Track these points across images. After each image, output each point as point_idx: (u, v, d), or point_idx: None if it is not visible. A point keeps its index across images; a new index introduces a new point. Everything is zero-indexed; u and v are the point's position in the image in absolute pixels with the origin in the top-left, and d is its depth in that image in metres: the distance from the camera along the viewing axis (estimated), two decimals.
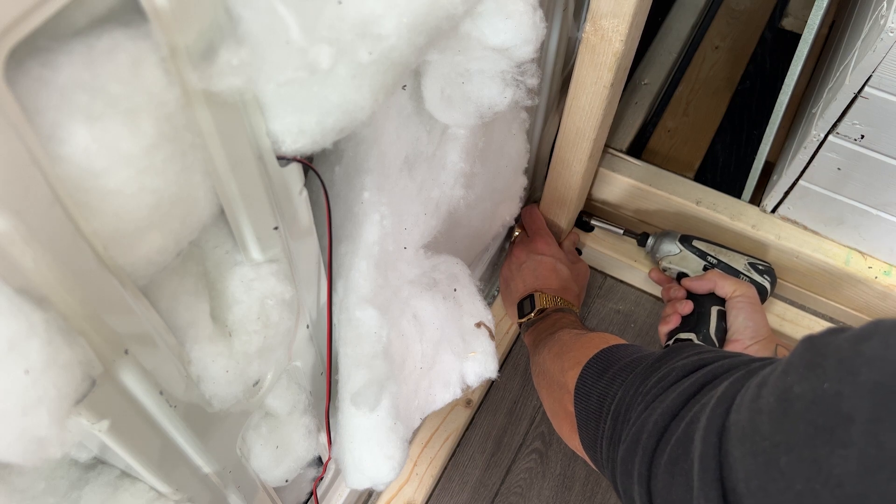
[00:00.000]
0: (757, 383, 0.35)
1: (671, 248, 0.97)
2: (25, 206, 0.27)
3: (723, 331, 0.87)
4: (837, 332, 0.32)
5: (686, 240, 0.96)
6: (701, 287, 0.91)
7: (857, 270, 1.03)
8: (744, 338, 0.84)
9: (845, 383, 0.29)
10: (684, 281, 0.94)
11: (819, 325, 1.05)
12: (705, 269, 0.94)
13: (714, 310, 0.89)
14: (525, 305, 0.89)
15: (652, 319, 1.12)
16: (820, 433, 0.29)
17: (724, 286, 0.89)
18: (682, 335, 0.88)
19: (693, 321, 0.89)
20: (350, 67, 0.36)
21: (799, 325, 1.05)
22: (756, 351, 0.83)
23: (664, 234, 0.99)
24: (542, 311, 0.86)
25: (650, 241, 1.01)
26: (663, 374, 0.48)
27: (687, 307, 0.91)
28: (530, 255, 0.94)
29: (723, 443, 0.35)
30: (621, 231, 1.04)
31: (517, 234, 1.02)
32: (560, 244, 1.01)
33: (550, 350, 0.71)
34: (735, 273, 0.94)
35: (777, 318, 1.06)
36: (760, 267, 0.94)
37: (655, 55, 1.30)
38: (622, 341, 0.67)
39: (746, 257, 0.95)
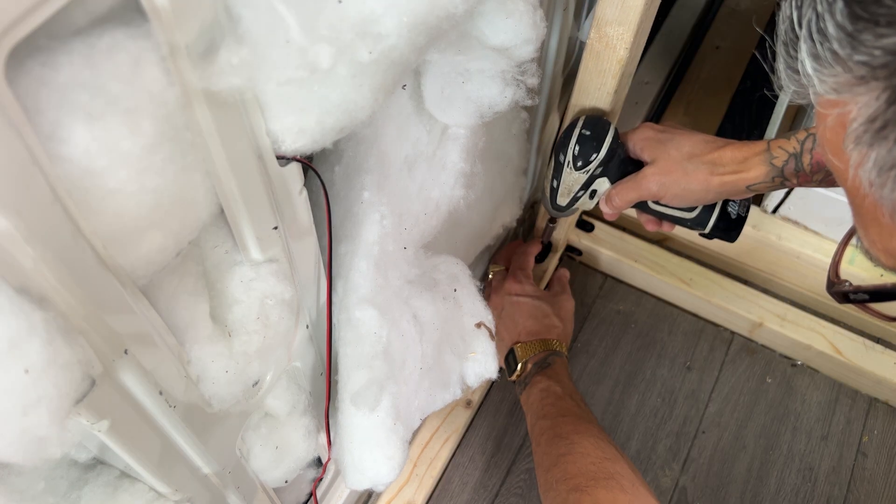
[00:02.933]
0: None
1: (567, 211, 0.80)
2: (25, 205, 0.27)
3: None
4: None
5: (557, 209, 0.80)
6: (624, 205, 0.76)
7: (859, 271, 1.03)
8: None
9: None
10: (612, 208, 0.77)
11: (822, 327, 1.05)
12: (591, 195, 0.77)
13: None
14: (510, 362, 0.85)
15: (652, 320, 1.12)
16: None
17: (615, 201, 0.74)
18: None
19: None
20: (350, 67, 0.36)
21: (800, 325, 1.05)
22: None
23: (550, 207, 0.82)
24: (524, 364, 0.83)
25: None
26: None
27: (664, 226, 0.77)
28: (505, 299, 0.89)
29: None
30: (553, 224, 0.93)
31: (495, 272, 0.95)
32: (549, 284, 0.98)
33: (555, 486, 0.68)
34: (584, 188, 0.76)
35: (778, 319, 1.06)
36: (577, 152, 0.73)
37: (656, 55, 1.30)
38: (626, 494, 0.64)
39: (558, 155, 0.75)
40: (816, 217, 1.05)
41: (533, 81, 0.60)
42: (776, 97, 0.97)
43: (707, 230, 0.75)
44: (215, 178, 0.38)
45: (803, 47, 0.29)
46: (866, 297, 0.35)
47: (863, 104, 0.27)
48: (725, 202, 0.74)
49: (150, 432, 0.42)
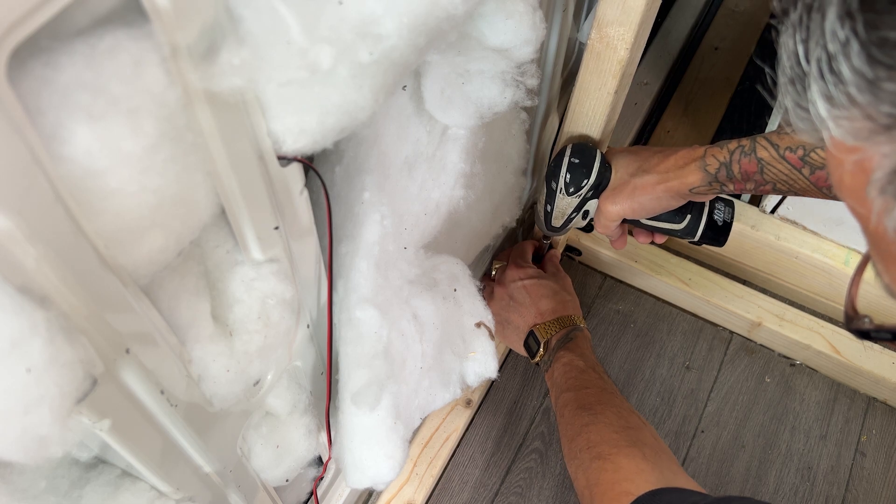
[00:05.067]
0: None
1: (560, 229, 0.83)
2: (27, 205, 0.27)
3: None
4: None
5: (552, 230, 0.84)
6: (614, 234, 0.81)
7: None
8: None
9: None
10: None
11: (820, 327, 1.05)
12: (584, 215, 0.80)
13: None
14: (531, 345, 0.85)
15: (651, 320, 1.12)
16: None
17: (604, 219, 0.78)
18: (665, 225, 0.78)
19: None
20: (351, 67, 0.37)
21: (798, 325, 1.05)
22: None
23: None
24: (546, 343, 0.83)
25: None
26: None
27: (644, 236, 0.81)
28: (510, 287, 0.89)
29: None
30: (546, 241, 0.97)
31: (497, 267, 0.96)
32: (542, 266, 0.97)
33: (579, 455, 0.69)
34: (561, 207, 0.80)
35: (777, 319, 1.06)
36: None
37: (655, 56, 1.30)
38: (648, 462, 0.64)
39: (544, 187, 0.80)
40: (815, 217, 1.05)
41: (532, 82, 0.60)
42: (774, 98, 0.97)
43: (696, 238, 0.78)
44: (216, 178, 0.38)
45: (814, 87, 0.26)
46: (889, 336, 0.33)
47: (888, 153, 0.24)
48: (712, 210, 0.77)
49: (151, 431, 0.42)
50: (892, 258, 0.28)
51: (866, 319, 0.34)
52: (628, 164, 0.75)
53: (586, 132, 0.81)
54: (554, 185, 0.78)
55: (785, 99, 0.28)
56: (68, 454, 0.42)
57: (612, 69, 0.72)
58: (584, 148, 0.77)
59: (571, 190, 0.77)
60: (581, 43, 0.95)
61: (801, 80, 0.27)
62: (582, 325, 0.85)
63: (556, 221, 0.82)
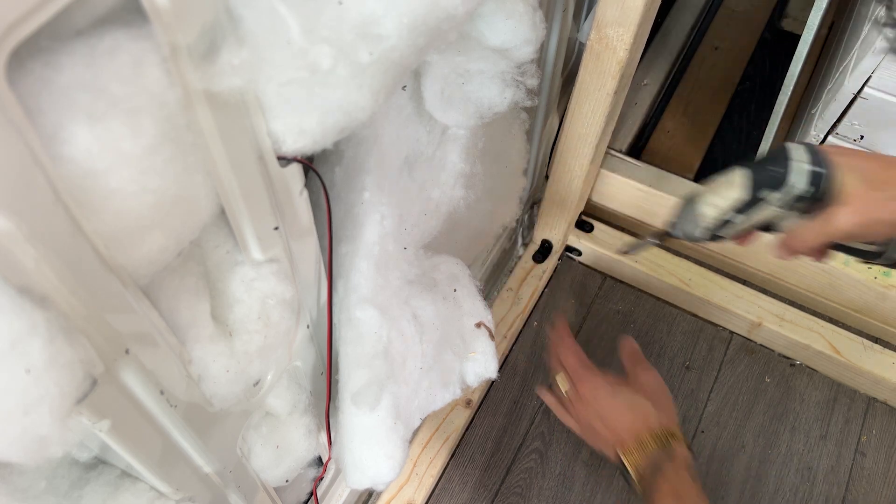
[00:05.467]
0: None
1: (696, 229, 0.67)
2: (27, 205, 0.27)
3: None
4: None
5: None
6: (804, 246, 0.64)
7: (857, 271, 1.03)
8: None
9: None
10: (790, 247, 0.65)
11: (820, 327, 1.05)
12: (767, 228, 0.64)
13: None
14: (626, 474, 0.73)
15: (651, 320, 1.12)
16: None
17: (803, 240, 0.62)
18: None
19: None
20: (350, 68, 0.37)
21: (798, 325, 1.05)
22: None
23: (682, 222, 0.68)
24: (640, 478, 0.71)
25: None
26: None
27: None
28: (587, 408, 0.77)
29: None
30: (655, 242, 0.77)
31: (562, 383, 0.80)
32: (621, 364, 0.82)
33: None
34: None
35: (777, 319, 1.06)
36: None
37: (655, 56, 1.30)
38: None
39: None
40: None
41: (532, 82, 0.60)
42: (775, 98, 0.97)
43: (891, 262, 0.65)
44: (216, 178, 0.38)
45: None
46: None
47: None
48: None
49: (151, 432, 0.42)
50: None
51: None
52: (863, 174, 0.59)
53: (586, 132, 0.81)
54: (766, 192, 0.61)
55: None
56: (68, 454, 0.42)
57: (612, 70, 0.72)
58: (817, 152, 0.60)
59: (796, 203, 0.61)
60: (581, 43, 0.95)
61: None
62: (669, 441, 0.72)
63: (726, 231, 0.65)
